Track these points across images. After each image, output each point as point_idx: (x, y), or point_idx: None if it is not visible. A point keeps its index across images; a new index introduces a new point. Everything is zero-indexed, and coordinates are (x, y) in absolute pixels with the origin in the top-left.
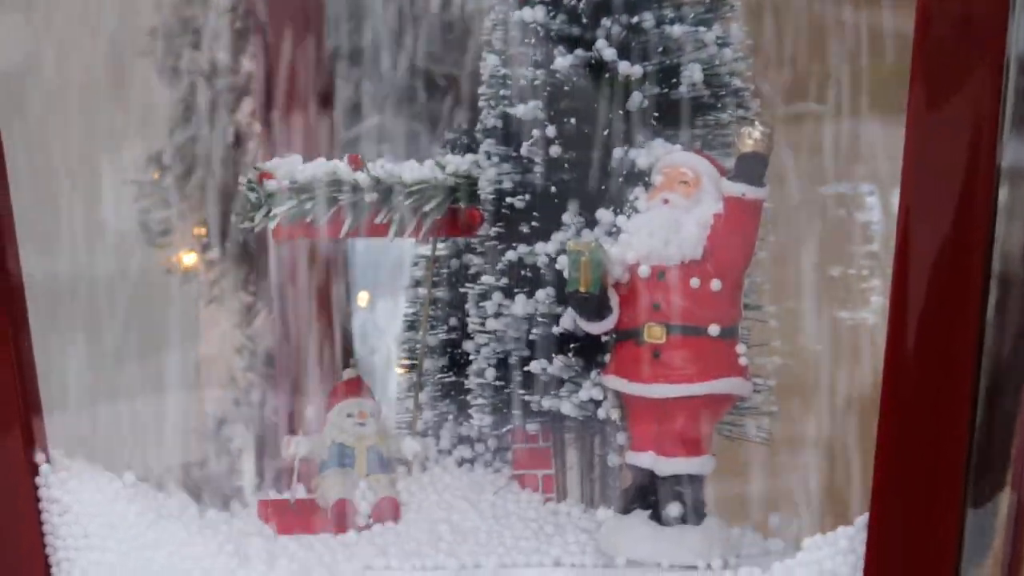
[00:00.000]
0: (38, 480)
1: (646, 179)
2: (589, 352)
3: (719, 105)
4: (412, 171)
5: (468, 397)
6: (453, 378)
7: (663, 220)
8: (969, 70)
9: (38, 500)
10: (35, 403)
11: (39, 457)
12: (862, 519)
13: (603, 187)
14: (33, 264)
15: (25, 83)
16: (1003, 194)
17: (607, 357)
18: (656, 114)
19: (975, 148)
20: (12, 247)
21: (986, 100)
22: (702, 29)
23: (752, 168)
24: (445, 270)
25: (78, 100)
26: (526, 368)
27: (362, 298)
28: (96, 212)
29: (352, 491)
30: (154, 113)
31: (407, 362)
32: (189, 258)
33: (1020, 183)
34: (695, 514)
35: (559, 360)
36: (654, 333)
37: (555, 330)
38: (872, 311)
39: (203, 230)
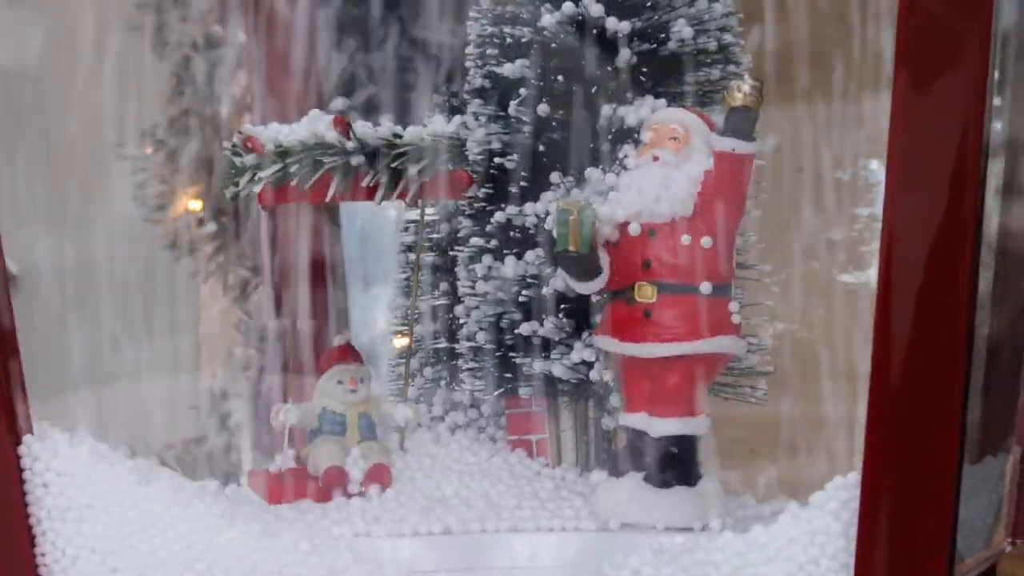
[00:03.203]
0: (21, 450)
1: (635, 136)
2: (580, 313)
3: (708, 61)
4: (399, 133)
5: (460, 362)
6: (445, 343)
7: (653, 177)
8: (956, 45)
9: (21, 471)
10: (17, 374)
11: (21, 428)
12: (853, 476)
13: (592, 145)
14: (26, 244)
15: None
16: (992, 168)
17: (598, 318)
18: (645, 71)
19: (964, 123)
20: None
21: (974, 75)
22: None
23: (742, 123)
24: (435, 234)
25: (71, 77)
26: (517, 331)
27: (356, 272)
28: (93, 189)
29: (343, 458)
30: (146, 87)
31: (399, 328)
32: (184, 232)
33: (1009, 157)
34: (689, 475)
35: (550, 322)
36: (645, 292)
37: (545, 291)
38: (873, 274)
39: (198, 205)
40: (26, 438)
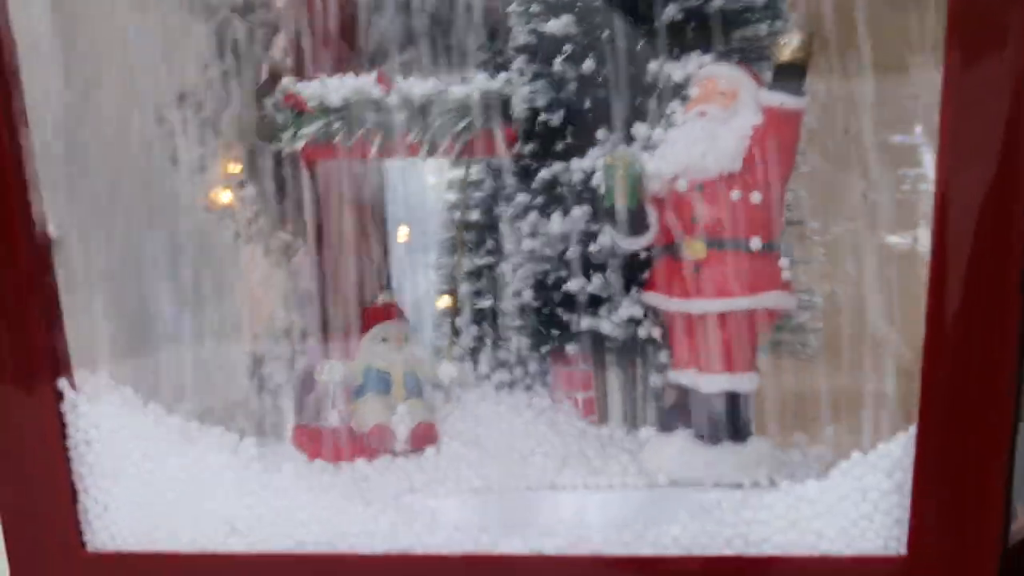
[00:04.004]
0: (63, 407)
1: (682, 92)
2: (628, 269)
3: (755, 17)
4: (443, 90)
5: (505, 320)
6: (490, 302)
7: (701, 133)
8: (1006, 21)
9: (63, 427)
10: (60, 333)
11: (63, 385)
12: (903, 436)
13: (639, 102)
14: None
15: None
16: None
17: (646, 274)
18: (692, 26)
19: (1015, 98)
20: (36, 194)
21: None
22: None
23: (790, 78)
24: (479, 192)
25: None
26: (564, 288)
27: (401, 232)
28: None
29: (389, 416)
30: (185, 49)
31: (444, 287)
32: (225, 196)
33: None
34: (739, 432)
35: (597, 278)
36: (694, 248)
37: (592, 248)
38: (920, 235)
39: (238, 167)
40: (68, 395)
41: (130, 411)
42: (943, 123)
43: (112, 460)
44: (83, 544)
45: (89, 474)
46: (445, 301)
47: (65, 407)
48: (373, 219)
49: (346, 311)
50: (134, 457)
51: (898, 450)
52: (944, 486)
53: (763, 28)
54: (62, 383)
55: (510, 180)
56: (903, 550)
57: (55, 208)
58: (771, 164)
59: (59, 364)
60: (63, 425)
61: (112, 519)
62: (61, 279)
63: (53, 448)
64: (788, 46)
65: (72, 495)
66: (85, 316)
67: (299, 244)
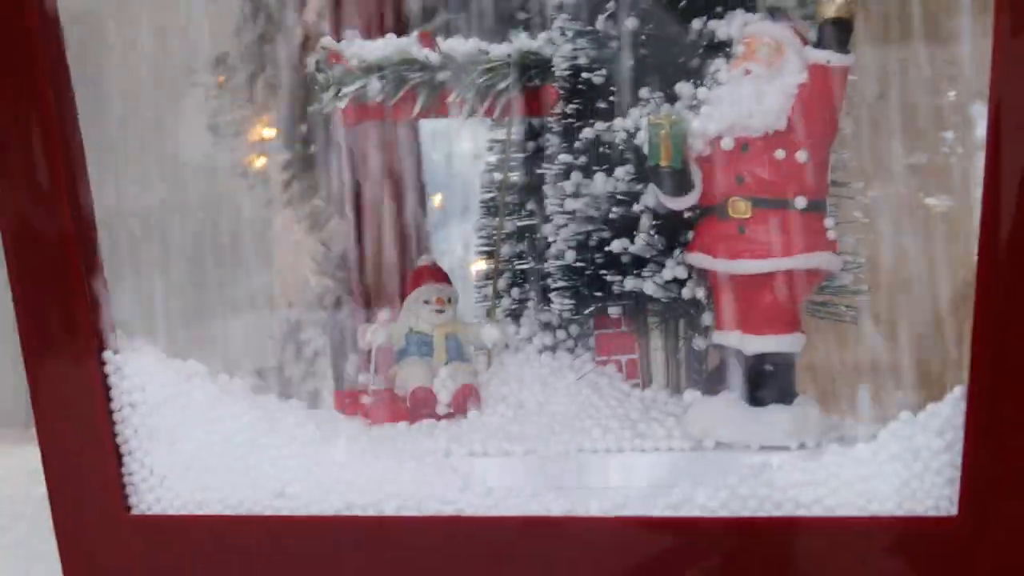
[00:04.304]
0: (107, 370)
1: (727, 50)
2: (672, 229)
3: None
4: (485, 49)
5: (548, 282)
6: (532, 263)
7: (745, 91)
8: None
9: (107, 390)
10: (103, 294)
11: (108, 346)
12: (953, 395)
13: (683, 60)
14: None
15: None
16: None
17: (690, 234)
18: None
19: None
20: (83, 175)
21: None
22: None
23: (836, 34)
24: (521, 152)
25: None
26: (607, 249)
27: (438, 195)
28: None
29: (431, 379)
30: (220, 14)
31: (485, 249)
32: (259, 161)
33: None
34: (785, 393)
35: (641, 239)
36: (739, 207)
37: (636, 208)
38: (961, 196)
39: (273, 131)
40: (113, 360)
41: (174, 375)
42: (993, 85)
43: (157, 424)
44: (128, 508)
45: (134, 438)
46: (486, 264)
47: (109, 370)
48: (410, 182)
49: (385, 275)
50: (179, 420)
51: (948, 409)
52: (995, 445)
53: None
54: (107, 348)
55: (552, 140)
56: (954, 510)
57: (99, 176)
58: (817, 122)
59: (103, 329)
60: (107, 389)
61: (157, 483)
62: (105, 244)
63: (98, 413)
64: (833, 2)
65: (117, 459)
66: (129, 282)
67: (333, 210)
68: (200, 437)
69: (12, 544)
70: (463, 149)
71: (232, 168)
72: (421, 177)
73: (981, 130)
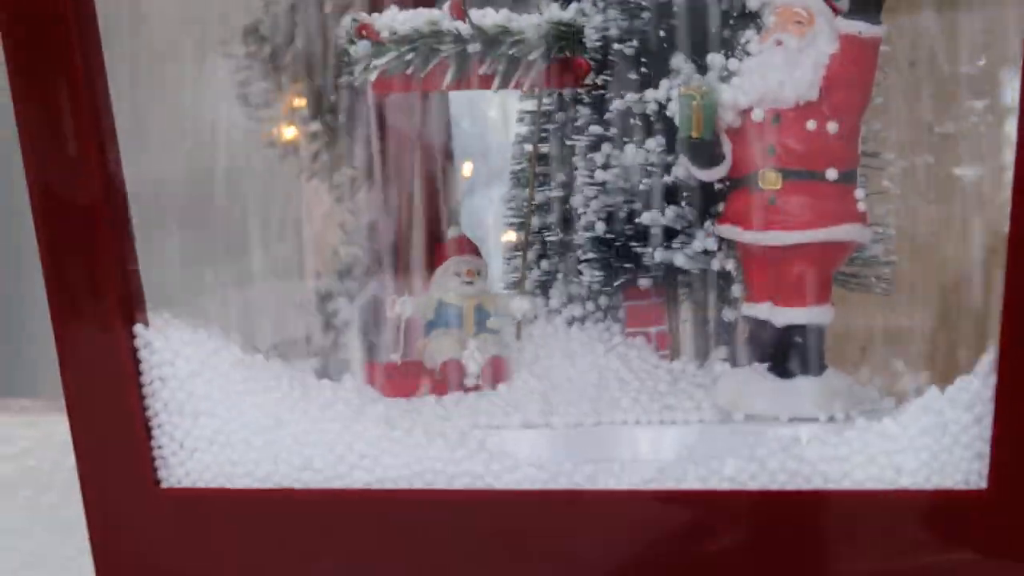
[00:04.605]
0: (136, 343)
1: (758, 20)
2: (702, 201)
3: None
4: (516, 20)
5: (577, 253)
6: (562, 235)
7: (777, 62)
8: None
9: (137, 363)
10: (132, 265)
11: (138, 320)
12: (982, 368)
13: (714, 31)
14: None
15: None
16: None
17: (721, 206)
18: None
19: None
20: (113, 144)
21: None
22: None
23: (868, 5)
24: (551, 124)
25: None
26: (637, 220)
27: (467, 166)
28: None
29: (460, 351)
30: None
31: (514, 221)
32: (289, 131)
33: None
34: (814, 365)
35: (671, 210)
36: (769, 179)
37: (667, 179)
38: (991, 165)
39: (302, 102)
40: (142, 334)
41: (204, 349)
42: None
43: (187, 398)
44: (158, 481)
45: (164, 411)
46: (515, 235)
47: (139, 344)
48: (440, 153)
49: (415, 246)
50: (209, 394)
51: (977, 382)
52: None
53: None
54: (137, 322)
55: (583, 111)
56: (983, 484)
57: (127, 147)
58: (848, 93)
59: (133, 302)
60: (137, 362)
61: (187, 456)
62: (134, 215)
63: (128, 386)
64: None
65: (147, 433)
66: (158, 255)
67: (363, 180)
68: (228, 410)
69: (42, 515)
70: (496, 116)
71: (262, 139)
72: (451, 146)
73: (1011, 96)
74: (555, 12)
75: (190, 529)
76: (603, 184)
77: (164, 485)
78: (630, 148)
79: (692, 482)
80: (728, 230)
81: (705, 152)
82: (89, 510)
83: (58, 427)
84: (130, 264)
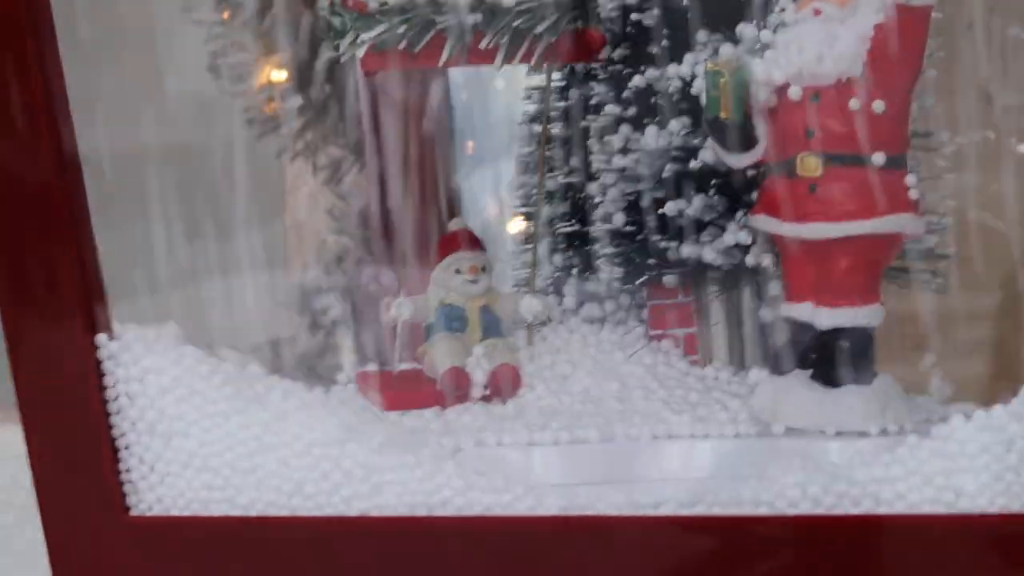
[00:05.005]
0: (100, 355)
1: None
2: (733, 189)
3: None
4: None
5: (595, 247)
6: (576, 226)
7: (815, 33)
8: None
9: (101, 377)
10: (93, 271)
11: (100, 328)
12: None
13: None
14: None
15: None
16: None
17: (754, 195)
18: None
19: None
20: (68, 125)
21: None
22: None
23: None
24: (562, 102)
25: None
26: (660, 211)
27: (469, 148)
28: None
29: (464, 358)
30: None
31: (523, 210)
32: (267, 106)
33: None
34: (863, 372)
35: (699, 200)
36: (808, 165)
37: (693, 165)
38: None
39: (283, 75)
40: (107, 345)
41: (177, 361)
42: None
43: (158, 416)
44: (126, 508)
45: (132, 431)
46: (524, 226)
47: (103, 356)
48: (438, 135)
49: (411, 239)
50: (182, 412)
51: None
52: None
53: None
54: (99, 332)
55: (598, 88)
56: None
57: (86, 130)
58: (896, 68)
59: (96, 311)
60: (101, 376)
61: (158, 481)
62: (95, 211)
63: (90, 403)
64: None
65: (113, 455)
66: (122, 256)
67: (351, 162)
68: (206, 431)
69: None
70: (501, 94)
71: (237, 114)
72: (451, 127)
73: None
74: None
75: (162, 561)
76: (622, 170)
77: (133, 512)
78: (651, 130)
79: (726, 505)
80: (763, 221)
81: (735, 135)
82: (50, 540)
83: (15, 437)
84: (90, 267)
